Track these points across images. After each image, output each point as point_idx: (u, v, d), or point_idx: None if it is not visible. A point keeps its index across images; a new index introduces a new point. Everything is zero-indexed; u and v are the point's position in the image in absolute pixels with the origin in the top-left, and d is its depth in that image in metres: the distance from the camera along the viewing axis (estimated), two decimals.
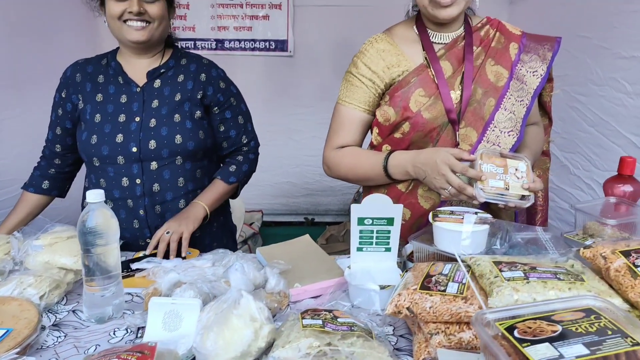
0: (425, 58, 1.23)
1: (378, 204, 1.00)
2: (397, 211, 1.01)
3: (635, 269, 0.76)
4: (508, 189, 1.04)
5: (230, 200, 2.20)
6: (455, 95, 1.21)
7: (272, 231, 3.44)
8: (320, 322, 0.80)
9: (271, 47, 3.12)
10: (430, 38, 1.24)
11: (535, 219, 1.38)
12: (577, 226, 1.07)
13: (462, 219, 0.99)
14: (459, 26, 1.25)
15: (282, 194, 3.48)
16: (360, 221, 1.03)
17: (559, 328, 0.54)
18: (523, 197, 1.04)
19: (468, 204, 1.14)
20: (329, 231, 2.86)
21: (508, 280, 0.77)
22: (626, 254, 0.79)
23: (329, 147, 1.32)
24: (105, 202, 1.34)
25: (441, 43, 1.24)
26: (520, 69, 1.24)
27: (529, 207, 1.35)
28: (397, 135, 1.24)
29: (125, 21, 1.27)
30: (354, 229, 1.04)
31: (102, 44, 1.54)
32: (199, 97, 1.38)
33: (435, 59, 1.22)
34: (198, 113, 1.38)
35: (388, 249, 1.07)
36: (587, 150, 2.05)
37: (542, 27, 2.59)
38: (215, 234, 1.50)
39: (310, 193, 3.43)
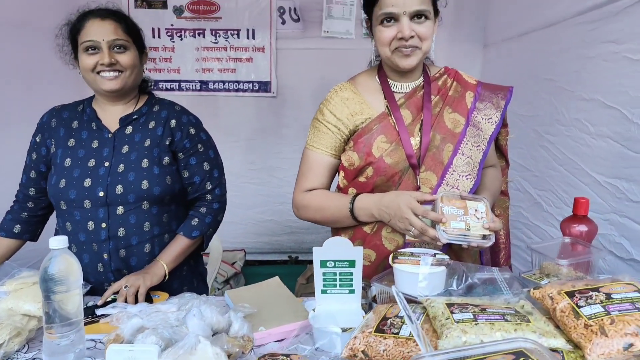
0: (387, 107, 1.30)
1: (339, 247, 1.03)
2: (358, 253, 1.03)
3: (578, 310, 0.78)
4: (469, 230, 1.08)
5: None
6: (415, 141, 1.27)
7: (255, 270, 3.42)
8: None
9: (255, 88, 3.20)
10: (391, 88, 1.32)
11: (499, 257, 1.41)
12: (534, 266, 1.10)
13: (420, 260, 1.02)
14: (418, 76, 1.33)
15: (266, 232, 3.48)
16: (323, 264, 1.05)
17: None
18: (484, 237, 1.08)
19: (431, 245, 1.18)
20: (309, 270, 2.85)
21: (458, 322, 0.79)
22: (570, 294, 0.82)
23: (298, 190, 1.37)
24: (70, 246, 1.36)
25: (401, 92, 1.32)
26: (476, 116, 1.31)
27: (492, 246, 1.40)
28: (362, 179, 1.28)
29: (98, 72, 1.33)
30: (317, 272, 1.06)
31: (86, 90, 1.60)
32: (167, 143, 1.42)
33: (396, 107, 1.29)
34: (166, 159, 1.41)
35: (352, 291, 1.08)
36: (557, 188, 2.11)
37: (513, 68, 2.71)
38: (185, 277, 1.51)
39: (294, 231, 3.43)
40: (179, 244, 1.43)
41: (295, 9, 3.11)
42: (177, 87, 3.19)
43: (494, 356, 0.58)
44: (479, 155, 1.29)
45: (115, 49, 1.33)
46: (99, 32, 1.32)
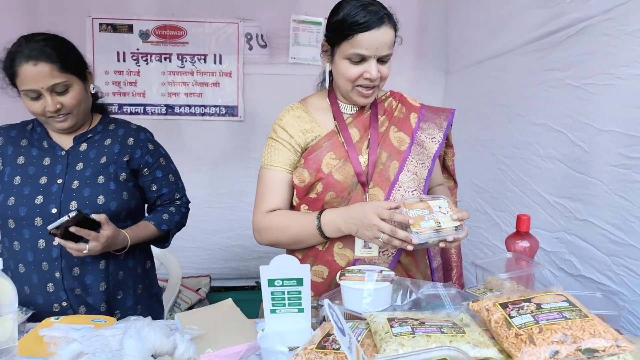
0: (336, 126, 1.34)
1: (286, 265, 1.02)
2: (305, 272, 1.03)
3: (510, 320, 0.81)
4: (440, 225, 1.11)
5: (166, 264, 2.17)
6: (363, 159, 1.31)
7: (222, 297, 3.29)
8: None
9: (222, 112, 3.22)
10: (341, 109, 1.37)
11: (451, 276, 1.44)
12: (478, 281, 1.13)
13: (365, 277, 1.03)
14: None
15: (232, 258, 3.44)
16: (271, 283, 1.05)
17: None
18: (457, 229, 1.12)
19: (382, 260, 1.20)
20: None
21: (396, 335, 0.80)
22: (504, 306, 0.84)
23: (258, 212, 1.34)
24: (17, 266, 1.32)
25: (350, 113, 1.37)
26: (420, 135, 1.37)
27: (445, 263, 1.43)
28: (312, 195, 1.30)
29: (47, 116, 1.31)
30: (265, 291, 1.05)
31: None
32: (125, 159, 1.43)
33: (345, 126, 1.33)
34: (123, 175, 1.42)
35: (301, 310, 1.08)
36: (513, 209, 2.17)
37: (473, 95, 2.82)
38: (140, 296, 1.49)
39: (261, 256, 3.39)
40: (146, 229, 1.46)
41: (262, 36, 3.17)
42: (142, 111, 3.18)
43: None
44: (424, 172, 1.34)
45: (57, 91, 1.28)
46: (35, 79, 1.25)
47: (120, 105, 3.17)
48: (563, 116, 1.77)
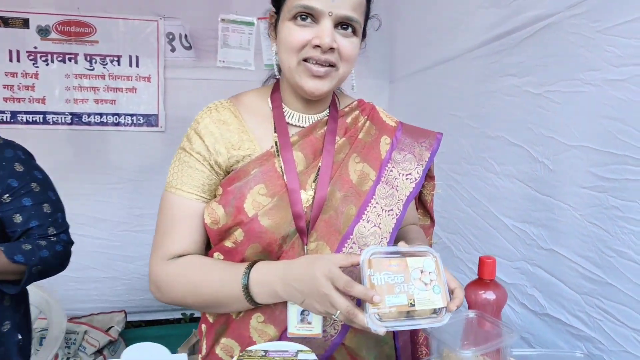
0: (276, 143, 0.94)
1: (153, 356, 0.68)
2: None
3: None
4: (414, 305, 0.74)
5: (47, 313, 1.74)
6: (306, 196, 0.92)
7: (141, 332, 2.90)
8: None
9: (139, 122, 2.80)
10: (286, 117, 0.97)
11: (417, 338, 1.10)
12: (433, 353, 0.83)
13: None
14: (324, 108, 0.99)
15: None
16: None
17: None
18: (436, 311, 0.75)
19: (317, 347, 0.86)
20: (194, 337, 2.41)
21: None
22: None
23: (157, 258, 0.93)
24: None
25: (299, 126, 0.97)
26: (391, 171, 1.00)
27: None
28: (228, 244, 0.91)
29: None
30: None
31: None
32: None
33: (288, 145, 0.93)
34: None
35: None
36: (466, 232, 1.93)
37: (419, 104, 2.59)
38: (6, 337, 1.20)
39: None
40: None
41: (186, 36, 2.80)
42: (42, 120, 2.69)
43: None
44: (391, 223, 0.97)
45: None
46: None
47: (14, 114, 2.66)
48: (521, 128, 1.55)
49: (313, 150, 0.96)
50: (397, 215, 0.97)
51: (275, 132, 0.95)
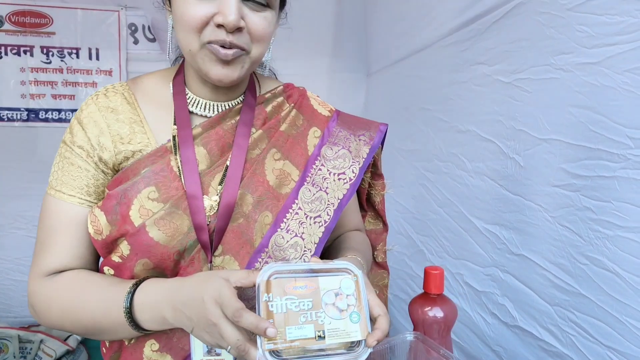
0: (174, 136, 0.79)
1: None
2: None
3: None
4: (323, 337, 0.60)
5: None
6: (210, 203, 0.77)
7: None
8: None
9: None
10: (189, 104, 0.81)
11: None
12: None
13: None
14: (238, 94, 0.85)
15: None
16: None
17: None
18: (353, 345, 0.61)
19: None
20: None
21: None
22: None
23: (33, 274, 0.80)
24: None
25: (205, 116, 0.82)
26: (320, 169, 0.84)
27: None
28: (115, 258, 0.77)
29: None
30: None
31: None
32: None
33: (188, 139, 0.78)
34: None
35: None
36: (438, 234, 1.80)
37: (393, 98, 2.44)
38: None
39: None
40: None
41: (149, 27, 2.65)
42: None
43: None
44: (317, 233, 0.82)
45: None
46: None
47: None
48: (492, 121, 1.41)
49: (220, 145, 0.80)
50: (325, 222, 0.82)
51: (174, 123, 0.80)
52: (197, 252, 0.76)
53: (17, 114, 2.56)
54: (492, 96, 1.41)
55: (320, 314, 0.61)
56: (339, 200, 0.84)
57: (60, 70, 2.58)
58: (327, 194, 0.84)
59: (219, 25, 0.70)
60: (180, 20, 0.72)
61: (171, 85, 0.83)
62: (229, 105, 0.84)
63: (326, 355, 0.60)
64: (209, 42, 0.71)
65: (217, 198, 0.78)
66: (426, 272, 0.80)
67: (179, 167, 0.77)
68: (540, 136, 1.18)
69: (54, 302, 0.77)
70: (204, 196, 0.77)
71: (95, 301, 0.74)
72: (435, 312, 0.78)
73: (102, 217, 0.76)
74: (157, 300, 0.69)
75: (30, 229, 2.60)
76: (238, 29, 0.71)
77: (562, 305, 1.10)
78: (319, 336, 0.60)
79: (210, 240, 0.76)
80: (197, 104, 0.82)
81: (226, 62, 0.73)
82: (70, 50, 2.58)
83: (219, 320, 0.60)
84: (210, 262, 0.76)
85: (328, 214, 0.83)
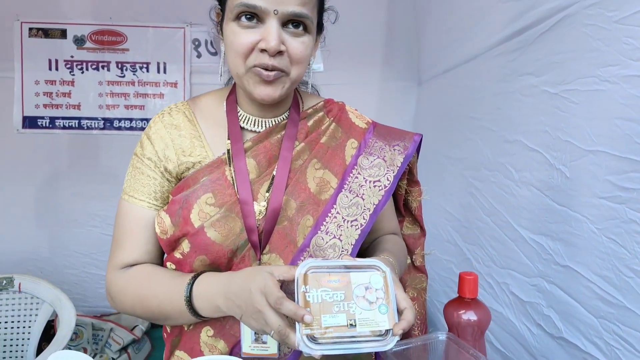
0: (228, 150, 0.89)
1: None
2: None
3: None
4: (355, 325, 0.67)
5: (58, 310, 1.78)
6: (259, 207, 0.86)
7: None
8: None
9: None
10: (241, 122, 0.91)
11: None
12: None
13: None
14: (283, 110, 0.94)
15: None
16: None
17: None
18: (382, 334, 0.67)
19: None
20: None
21: None
22: None
23: (110, 267, 0.92)
24: None
25: (255, 131, 0.92)
26: (356, 177, 0.92)
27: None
28: (177, 255, 0.88)
29: None
30: None
31: None
32: None
33: (241, 153, 0.88)
34: None
35: None
36: (485, 243, 1.80)
37: (443, 107, 2.46)
38: None
39: None
40: None
41: (212, 42, 2.84)
42: (77, 125, 2.82)
43: None
44: (354, 235, 0.89)
45: None
46: None
47: (52, 119, 2.81)
48: (539, 131, 1.41)
49: (267, 157, 0.90)
50: (361, 226, 0.89)
51: (228, 138, 0.90)
52: (248, 251, 0.86)
53: (95, 123, 2.83)
54: (539, 107, 1.42)
55: (352, 305, 0.68)
56: (374, 206, 0.91)
57: (132, 83, 2.82)
58: (363, 200, 0.91)
59: (262, 50, 0.79)
60: (230, 47, 0.82)
61: (225, 104, 0.94)
62: (275, 121, 0.93)
63: (357, 341, 0.66)
64: (254, 66, 0.80)
65: (265, 204, 0.87)
66: (461, 277, 0.85)
67: (232, 177, 0.87)
68: (586, 147, 1.18)
69: (128, 291, 0.89)
70: (254, 202, 0.86)
71: (161, 291, 0.85)
72: (469, 316, 0.82)
73: (167, 219, 0.87)
74: (212, 291, 0.79)
75: (104, 227, 2.86)
76: (279, 53, 0.79)
77: (607, 318, 1.10)
78: (351, 324, 0.67)
79: (259, 240, 0.85)
80: (248, 121, 0.92)
81: (268, 83, 0.82)
82: (141, 65, 2.82)
83: (264, 307, 0.69)
84: (259, 259, 0.86)
85: (364, 218, 0.90)
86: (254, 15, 0.79)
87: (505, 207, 1.63)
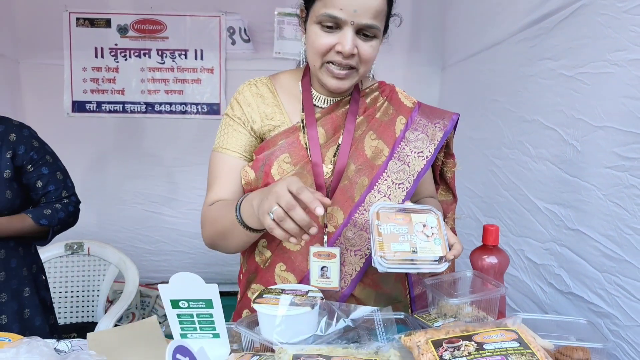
0: (302, 120, 1.07)
1: (190, 284, 0.85)
2: (213, 292, 0.86)
3: None
4: (416, 252, 0.85)
5: (124, 271, 2.02)
6: (326, 169, 1.05)
7: None
8: None
9: (203, 110, 3.07)
10: (313, 99, 1.10)
11: None
12: (431, 304, 0.94)
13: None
14: (348, 92, 1.12)
15: (216, 262, 3.27)
16: (175, 304, 0.88)
17: None
18: (437, 260, 0.86)
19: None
20: None
21: None
22: (438, 344, 0.66)
23: (204, 206, 1.10)
24: None
25: (322, 107, 1.10)
26: (404, 148, 1.10)
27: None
28: None
29: None
30: (170, 314, 0.88)
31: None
32: (8, 156, 1.40)
33: (313, 123, 1.07)
34: (7, 172, 1.39)
35: (216, 335, 0.91)
36: (503, 215, 1.96)
37: (466, 91, 2.62)
38: (28, 300, 1.46)
39: None
40: (22, 221, 1.42)
41: (245, 30, 3.02)
42: (122, 109, 3.04)
43: None
44: (400, 195, 1.07)
45: None
46: None
47: (99, 104, 3.04)
48: (555, 111, 1.56)
49: (333, 127, 1.09)
50: (407, 188, 1.08)
51: (302, 111, 1.09)
52: None
53: (138, 107, 3.05)
54: (555, 89, 1.56)
55: (413, 237, 0.87)
56: (417, 172, 1.10)
57: (172, 70, 3.03)
58: (409, 167, 1.09)
59: (338, 52, 0.97)
60: (312, 45, 1.00)
61: (300, 84, 1.12)
62: (338, 99, 1.11)
63: (419, 264, 0.85)
64: (329, 62, 0.98)
65: (331, 166, 1.06)
66: (485, 228, 1.02)
67: (305, 142, 1.07)
68: (596, 124, 1.33)
69: (208, 218, 1.07)
70: (323, 165, 1.06)
71: (226, 212, 1.00)
72: (491, 260, 1.00)
73: (252, 173, 1.07)
74: (252, 196, 0.93)
75: (147, 204, 3.10)
76: (351, 55, 0.97)
77: (609, 272, 1.26)
78: (413, 251, 0.86)
79: (326, 196, 1.04)
80: (319, 99, 1.11)
81: (340, 78, 1.00)
82: (180, 52, 3.02)
83: (282, 189, 0.81)
84: (325, 210, 1.02)
85: (409, 182, 1.09)
86: (334, 23, 0.95)
87: (523, 182, 1.79)
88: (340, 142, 1.07)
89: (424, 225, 0.89)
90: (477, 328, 0.69)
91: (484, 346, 0.63)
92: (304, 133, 1.07)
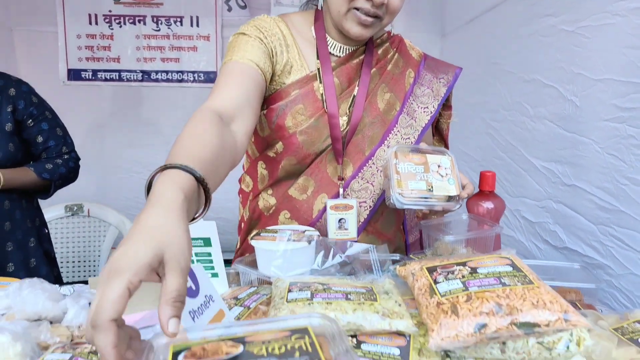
0: (318, 69, 1.03)
1: None
2: (211, 230, 0.87)
3: (435, 287, 0.63)
4: (432, 190, 0.89)
5: (124, 232, 2.02)
6: (342, 121, 1.03)
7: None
8: None
9: (200, 78, 3.04)
10: (328, 47, 1.05)
11: None
12: (427, 245, 0.95)
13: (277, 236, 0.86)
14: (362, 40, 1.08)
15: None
16: None
17: (237, 350, 0.41)
18: (450, 198, 0.90)
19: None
20: None
21: (289, 302, 0.63)
22: (432, 270, 0.67)
23: (198, 109, 0.88)
24: None
25: (338, 56, 1.06)
26: (412, 103, 1.11)
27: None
28: (270, 153, 1.06)
29: None
30: None
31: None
32: (9, 110, 1.41)
33: (329, 72, 1.02)
34: (9, 125, 1.40)
35: (215, 275, 0.92)
36: (500, 177, 1.96)
37: (466, 56, 2.59)
38: (33, 251, 1.50)
39: None
40: (25, 174, 1.44)
41: None
42: (117, 77, 3.01)
43: (262, 334, 0.42)
44: None
45: None
46: None
47: (95, 72, 3.00)
48: (555, 68, 1.55)
49: (348, 77, 1.06)
50: (412, 142, 1.10)
51: (317, 58, 1.05)
52: (325, 155, 1.04)
53: (134, 75, 3.02)
54: (556, 44, 1.55)
55: (429, 176, 0.90)
56: (422, 127, 1.13)
57: (167, 37, 2.99)
58: (415, 121, 1.12)
59: (368, 0, 0.92)
60: None
61: (312, 28, 1.06)
62: (353, 48, 1.07)
63: (434, 201, 0.88)
64: (356, 8, 0.94)
65: (346, 118, 1.05)
66: (481, 174, 1.03)
67: (321, 92, 1.03)
68: (596, 77, 1.32)
69: (186, 127, 0.75)
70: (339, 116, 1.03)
71: (180, 143, 0.71)
72: (487, 205, 1.00)
73: (266, 123, 1.04)
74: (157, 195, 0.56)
75: (146, 173, 3.04)
76: (382, 4, 0.93)
77: (604, 224, 1.27)
78: (429, 189, 0.89)
79: (342, 149, 1.04)
80: (334, 47, 1.06)
81: (365, 25, 0.96)
82: (175, 19, 2.97)
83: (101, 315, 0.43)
84: (341, 163, 1.04)
85: (414, 137, 1.12)
86: None
87: (520, 142, 1.79)
88: (355, 93, 1.06)
89: (439, 166, 0.93)
90: (470, 257, 0.69)
91: (477, 270, 0.64)
92: (320, 82, 1.03)
